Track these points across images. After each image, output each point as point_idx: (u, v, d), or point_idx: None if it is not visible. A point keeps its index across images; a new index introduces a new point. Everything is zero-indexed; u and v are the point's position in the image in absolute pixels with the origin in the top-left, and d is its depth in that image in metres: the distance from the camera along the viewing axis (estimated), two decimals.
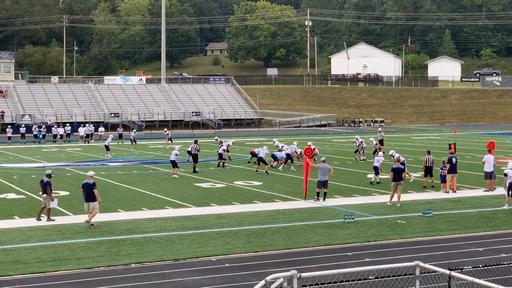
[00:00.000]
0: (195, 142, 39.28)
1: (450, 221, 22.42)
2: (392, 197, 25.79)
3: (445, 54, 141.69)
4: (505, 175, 25.19)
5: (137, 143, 57.23)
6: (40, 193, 23.11)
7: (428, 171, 30.44)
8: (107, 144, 49.34)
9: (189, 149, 39.12)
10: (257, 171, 36.52)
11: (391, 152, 33.68)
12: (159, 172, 37.69)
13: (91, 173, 22.40)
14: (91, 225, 21.29)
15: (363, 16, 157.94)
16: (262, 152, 37.30)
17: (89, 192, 21.53)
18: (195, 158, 37.87)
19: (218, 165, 39.91)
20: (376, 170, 31.90)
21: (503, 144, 55.59)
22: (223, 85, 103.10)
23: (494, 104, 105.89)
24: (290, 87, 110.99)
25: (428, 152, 31.07)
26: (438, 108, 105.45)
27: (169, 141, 58.33)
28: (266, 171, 36.29)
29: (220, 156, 40.05)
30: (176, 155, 35.66)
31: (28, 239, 19.89)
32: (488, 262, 15.49)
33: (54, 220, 22.27)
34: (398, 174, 25.61)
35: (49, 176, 22.90)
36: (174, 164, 35.30)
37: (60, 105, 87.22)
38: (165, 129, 64.73)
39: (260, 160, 36.77)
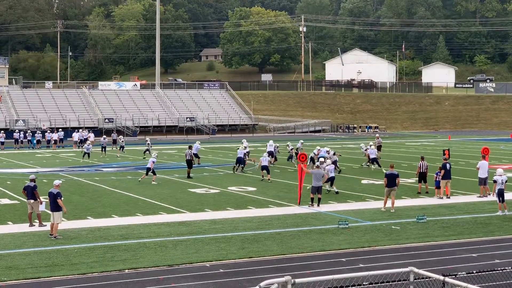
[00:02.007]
0: (190, 147, 39.34)
1: (444, 227, 22.44)
2: (385, 202, 25.82)
3: (439, 60, 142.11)
4: (495, 181, 25.26)
5: (105, 151, 54.04)
6: (27, 199, 22.75)
7: (422, 177, 30.46)
8: (87, 152, 49.42)
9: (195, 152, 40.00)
10: (262, 177, 36.14)
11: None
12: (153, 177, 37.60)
13: (57, 182, 21.74)
14: (55, 237, 20.62)
15: (358, 22, 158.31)
16: (264, 159, 36.59)
17: (53, 202, 20.90)
18: (189, 163, 37.87)
19: (235, 170, 40.02)
20: (333, 180, 30.51)
21: (497, 150, 55.70)
22: (217, 90, 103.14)
23: (488, 110, 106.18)
24: (284, 93, 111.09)
25: (422, 158, 31.11)
26: (432, 114, 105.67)
27: (120, 149, 55.49)
28: (269, 179, 35.73)
29: (239, 160, 39.83)
30: (153, 162, 35.76)
31: (22, 244, 19.83)
32: (482, 268, 15.49)
33: (46, 225, 22.18)
34: (391, 180, 25.63)
35: (33, 180, 22.80)
36: (149, 170, 35.22)
37: (54, 110, 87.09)
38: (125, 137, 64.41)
39: (264, 168, 36.14)
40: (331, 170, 30.45)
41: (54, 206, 20.91)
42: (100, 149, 54.21)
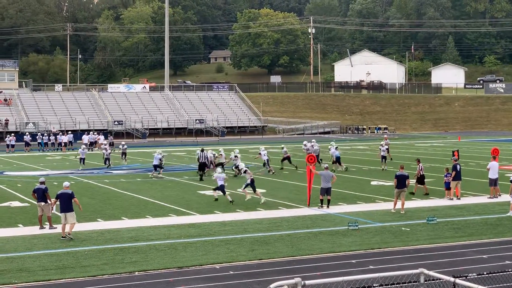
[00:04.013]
0: (202, 150, 39.14)
1: (455, 228, 22.37)
2: (395, 204, 25.73)
3: (448, 61, 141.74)
4: (511, 181, 25.17)
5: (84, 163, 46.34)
6: (37, 202, 22.79)
7: (422, 179, 30.18)
8: (83, 157, 45.59)
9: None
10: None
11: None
12: (163, 179, 37.66)
13: (67, 183, 22.05)
14: (70, 236, 20.83)
15: (366, 23, 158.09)
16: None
17: (68, 202, 21.08)
18: (202, 166, 37.66)
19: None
20: (222, 188, 28.28)
21: (507, 151, 55.47)
22: (226, 92, 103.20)
23: (497, 110, 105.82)
24: (293, 95, 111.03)
25: (418, 161, 30.94)
26: (442, 115, 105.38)
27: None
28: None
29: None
30: (160, 159, 38.31)
31: (32, 247, 19.90)
32: (492, 270, 15.44)
33: (56, 228, 22.25)
34: (402, 181, 25.58)
35: (43, 183, 22.90)
36: (157, 167, 38.09)
37: (63, 113, 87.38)
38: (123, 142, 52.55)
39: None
40: (221, 178, 28.46)
41: (68, 207, 21.04)
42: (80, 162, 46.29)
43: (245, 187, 28.86)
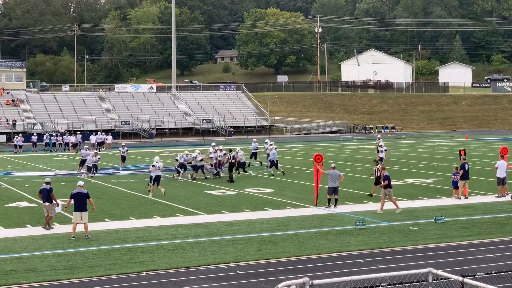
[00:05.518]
0: (230, 150, 38.64)
1: (462, 227, 22.33)
2: (396, 205, 25.51)
3: (455, 60, 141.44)
4: None
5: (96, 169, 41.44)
6: (42, 202, 22.85)
7: (378, 180, 29.52)
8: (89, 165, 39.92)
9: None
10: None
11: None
12: (170, 179, 37.68)
13: (81, 183, 22.20)
14: (89, 237, 20.99)
15: (373, 23, 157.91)
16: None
17: (83, 202, 21.24)
18: (231, 166, 37.20)
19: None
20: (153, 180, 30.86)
21: None
22: (233, 92, 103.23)
23: (505, 109, 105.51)
24: (300, 94, 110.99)
25: (377, 162, 30.75)
26: (449, 114, 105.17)
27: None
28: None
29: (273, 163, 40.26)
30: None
31: (40, 247, 19.95)
32: (500, 269, 15.40)
33: (53, 228, 22.37)
34: (389, 181, 25.72)
35: (48, 183, 22.99)
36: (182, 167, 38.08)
37: (71, 113, 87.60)
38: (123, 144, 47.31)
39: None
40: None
41: (84, 206, 21.20)
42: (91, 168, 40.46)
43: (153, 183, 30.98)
